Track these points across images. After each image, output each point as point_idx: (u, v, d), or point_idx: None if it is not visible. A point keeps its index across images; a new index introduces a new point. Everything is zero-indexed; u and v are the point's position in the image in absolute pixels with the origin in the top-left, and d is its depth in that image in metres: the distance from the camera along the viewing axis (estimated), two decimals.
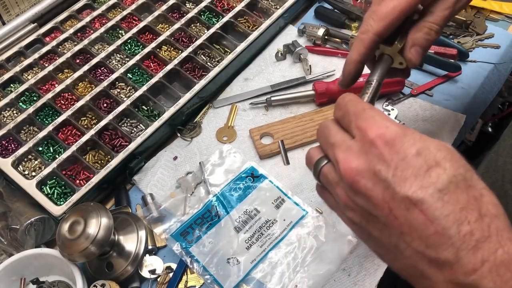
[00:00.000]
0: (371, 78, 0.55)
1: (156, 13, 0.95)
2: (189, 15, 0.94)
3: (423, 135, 0.41)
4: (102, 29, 0.93)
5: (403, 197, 0.38)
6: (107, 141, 0.80)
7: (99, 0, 1.00)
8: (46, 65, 0.89)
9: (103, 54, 0.89)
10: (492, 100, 0.91)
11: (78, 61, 0.90)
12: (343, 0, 0.99)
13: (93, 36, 0.92)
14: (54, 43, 0.92)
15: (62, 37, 0.93)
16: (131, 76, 0.88)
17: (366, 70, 0.58)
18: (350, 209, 0.44)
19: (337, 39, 0.96)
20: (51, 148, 0.80)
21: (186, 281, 0.69)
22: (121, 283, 0.68)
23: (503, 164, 0.66)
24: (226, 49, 0.93)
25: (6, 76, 0.87)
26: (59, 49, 0.92)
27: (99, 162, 0.79)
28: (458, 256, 0.37)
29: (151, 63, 0.90)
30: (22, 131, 0.82)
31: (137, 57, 0.88)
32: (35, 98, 0.85)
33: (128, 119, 0.83)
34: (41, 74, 0.87)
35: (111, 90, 0.85)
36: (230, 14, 0.95)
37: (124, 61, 0.90)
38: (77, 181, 0.76)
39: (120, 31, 0.94)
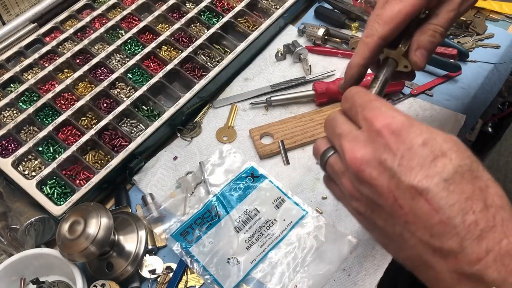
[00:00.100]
0: (378, 75, 0.54)
1: (156, 13, 0.95)
2: (189, 15, 0.95)
3: (429, 126, 0.41)
4: (102, 29, 0.93)
5: (408, 186, 0.38)
6: (107, 141, 0.80)
7: (99, 0, 1.00)
8: (46, 65, 0.89)
9: (103, 54, 0.89)
10: (492, 100, 0.91)
11: (78, 61, 0.90)
12: (343, 0, 0.99)
13: (93, 36, 0.92)
14: (54, 43, 0.92)
15: (62, 37, 0.93)
16: (131, 76, 0.88)
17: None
18: (356, 199, 0.44)
19: (337, 39, 0.96)
20: (51, 148, 0.80)
21: (186, 281, 0.69)
22: (121, 283, 0.68)
23: (505, 164, 0.66)
24: (226, 49, 0.93)
25: (6, 76, 0.87)
26: (59, 49, 0.92)
27: (99, 162, 0.79)
28: (463, 246, 0.37)
29: (151, 63, 0.90)
30: (22, 131, 0.82)
31: (137, 57, 0.88)
32: (35, 98, 0.85)
33: (128, 119, 0.83)
34: (41, 74, 0.87)
35: (111, 90, 0.85)
36: (230, 14, 0.95)
37: (124, 61, 0.90)
38: (77, 181, 0.76)
39: (120, 31, 0.94)
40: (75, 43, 0.92)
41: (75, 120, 0.82)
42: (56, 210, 0.72)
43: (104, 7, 0.97)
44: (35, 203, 0.73)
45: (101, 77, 0.87)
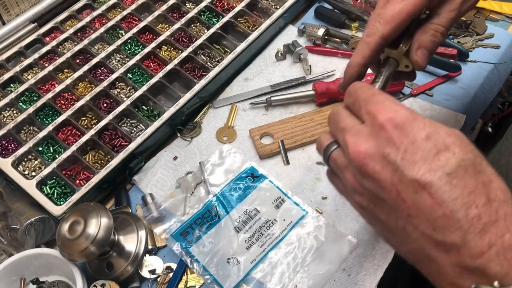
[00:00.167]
0: (379, 75, 0.54)
1: (156, 13, 0.95)
2: (189, 15, 0.95)
3: (433, 120, 0.41)
4: (102, 29, 0.93)
5: (411, 180, 0.38)
6: (107, 141, 0.80)
7: (99, 0, 1.00)
8: (46, 65, 0.89)
9: (103, 54, 0.89)
10: (492, 100, 0.91)
11: (78, 61, 0.90)
12: (343, 0, 0.99)
13: (93, 36, 0.92)
14: (54, 43, 0.92)
15: (62, 37, 0.93)
16: (131, 76, 0.88)
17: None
18: (358, 193, 0.44)
19: (337, 39, 0.96)
20: (51, 148, 0.80)
21: (186, 281, 0.69)
22: (121, 283, 0.68)
23: (506, 163, 0.66)
24: (226, 49, 0.93)
25: (6, 76, 0.87)
26: (59, 49, 0.92)
27: (99, 162, 0.79)
28: (465, 239, 0.37)
29: (151, 63, 0.90)
30: (22, 131, 0.82)
31: (137, 57, 0.88)
32: (35, 98, 0.85)
33: (128, 119, 0.83)
34: (41, 74, 0.87)
35: (111, 90, 0.85)
36: (230, 14, 0.95)
37: (124, 61, 0.90)
38: (77, 181, 0.76)
39: (120, 31, 0.94)
40: (75, 43, 0.92)
41: (75, 120, 0.82)
42: (56, 210, 0.72)
43: (104, 7, 0.97)
44: (35, 203, 0.73)
45: (101, 77, 0.87)
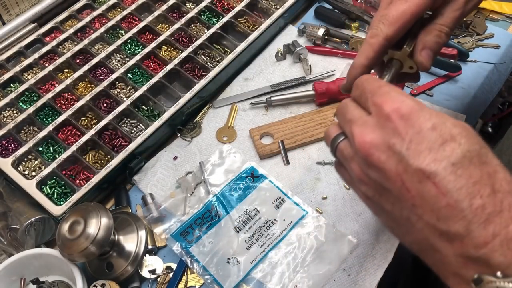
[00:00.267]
0: (382, 77, 0.54)
1: (156, 13, 0.95)
2: (189, 15, 0.95)
3: (439, 112, 0.41)
4: (102, 29, 0.93)
5: (416, 170, 0.38)
6: (107, 141, 0.80)
7: (99, 0, 1.00)
8: (46, 65, 0.89)
9: (103, 54, 0.89)
10: (492, 100, 0.91)
11: (78, 61, 0.90)
12: (343, 0, 0.99)
13: (93, 36, 0.92)
14: (54, 43, 0.92)
15: (62, 37, 0.93)
16: (131, 76, 0.88)
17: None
18: (364, 183, 0.45)
19: (337, 39, 0.96)
20: (51, 148, 0.80)
21: (186, 281, 0.69)
22: (121, 283, 0.68)
23: (507, 163, 0.66)
24: (226, 49, 0.93)
25: (6, 76, 0.87)
26: (59, 49, 0.92)
27: (99, 162, 0.79)
28: (469, 229, 0.37)
29: (151, 63, 0.90)
30: (22, 131, 0.82)
31: (137, 57, 0.88)
32: (35, 98, 0.85)
33: (128, 119, 0.83)
34: (41, 74, 0.87)
35: (111, 90, 0.85)
36: (230, 14, 0.95)
37: (124, 61, 0.90)
38: (77, 181, 0.76)
39: (120, 31, 0.94)
40: (75, 43, 0.92)
41: (75, 120, 0.82)
42: (56, 210, 0.72)
43: (104, 7, 0.97)
44: (35, 203, 0.73)
45: (101, 77, 0.87)
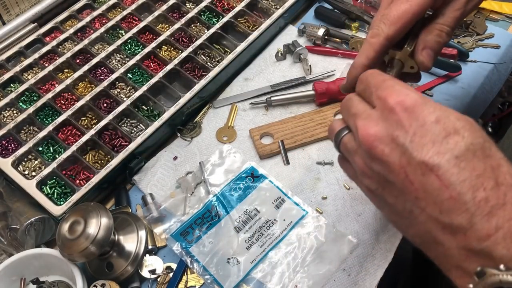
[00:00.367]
0: (386, 73, 0.54)
1: (156, 13, 0.95)
2: (189, 15, 0.95)
3: (443, 105, 0.41)
4: (102, 29, 0.93)
5: (419, 162, 0.38)
6: (107, 141, 0.80)
7: (99, 0, 1.00)
8: (46, 65, 0.89)
9: (103, 54, 0.89)
10: (492, 100, 0.91)
11: (78, 61, 0.90)
12: (343, 0, 0.99)
13: (93, 36, 0.92)
14: (54, 43, 0.92)
15: (62, 37, 0.93)
16: (131, 76, 0.88)
17: None
18: (367, 176, 0.45)
19: (337, 39, 0.96)
20: (51, 148, 0.80)
21: (186, 281, 0.69)
22: (121, 283, 0.68)
23: None
24: (226, 49, 0.93)
25: (6, 76, 0.87)
26: (59, 49, 0.92)
27: (99, 162, 0.79)
28: (472, 222, 0.37)
29: (151, 63, 0.90)
30: (22, 131, 0.82)
31: (137, 57, 0.88)
32: (35, 98, 0.85)
33: (128, 119, 0.83)
34: (41, 74, 0.87)
35: (111, 90, 0.85)
36: (230, 14, 0.95)
37: (124, 61, 0.90)
38: (77, 181, 0.76)
39: (120, 31, 0.94)
40: (75, 43, 0.92)
41: (75, 120, 0.82)
42: (56, 210, 0.72)
43: (104, 7, 0.97)
44: (35, 203, 0.73)
45: (101, 77, 0.87)
